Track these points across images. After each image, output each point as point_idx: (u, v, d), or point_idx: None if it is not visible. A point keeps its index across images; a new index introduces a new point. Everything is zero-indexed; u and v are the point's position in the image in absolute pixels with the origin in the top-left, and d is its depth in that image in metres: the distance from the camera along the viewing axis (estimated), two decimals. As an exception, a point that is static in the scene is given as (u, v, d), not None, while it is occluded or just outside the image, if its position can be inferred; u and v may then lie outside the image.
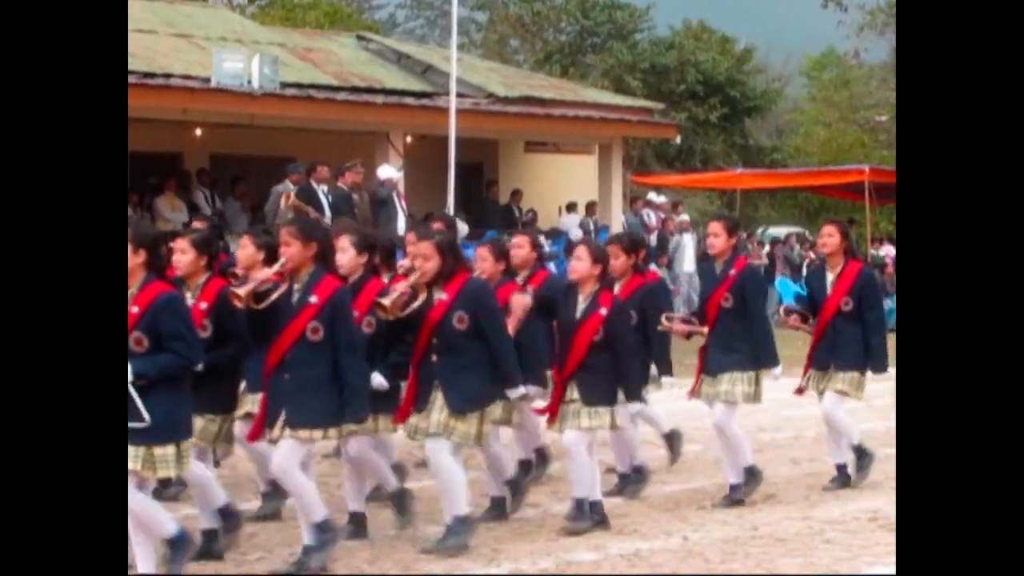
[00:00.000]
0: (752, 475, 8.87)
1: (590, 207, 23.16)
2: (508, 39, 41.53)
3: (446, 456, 7.31)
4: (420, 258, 7.29)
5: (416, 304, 7.21)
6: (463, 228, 17.46)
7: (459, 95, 18.14)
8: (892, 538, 7.69)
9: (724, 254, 8.85)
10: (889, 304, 24.37)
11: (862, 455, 9.43)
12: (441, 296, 7.29)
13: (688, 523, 8.28)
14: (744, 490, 8.79)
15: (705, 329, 8.82)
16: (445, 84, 19.71)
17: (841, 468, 9.46)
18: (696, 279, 23.27)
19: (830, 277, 9.25)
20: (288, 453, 6.81)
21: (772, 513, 8.59)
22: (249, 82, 18.68)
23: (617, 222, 23.31)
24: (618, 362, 7.88)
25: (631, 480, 9.16)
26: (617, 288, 8.48)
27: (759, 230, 31.48)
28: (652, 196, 26.08)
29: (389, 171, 18.59)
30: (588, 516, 7.91)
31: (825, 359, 9.23)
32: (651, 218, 24.69)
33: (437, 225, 8.97)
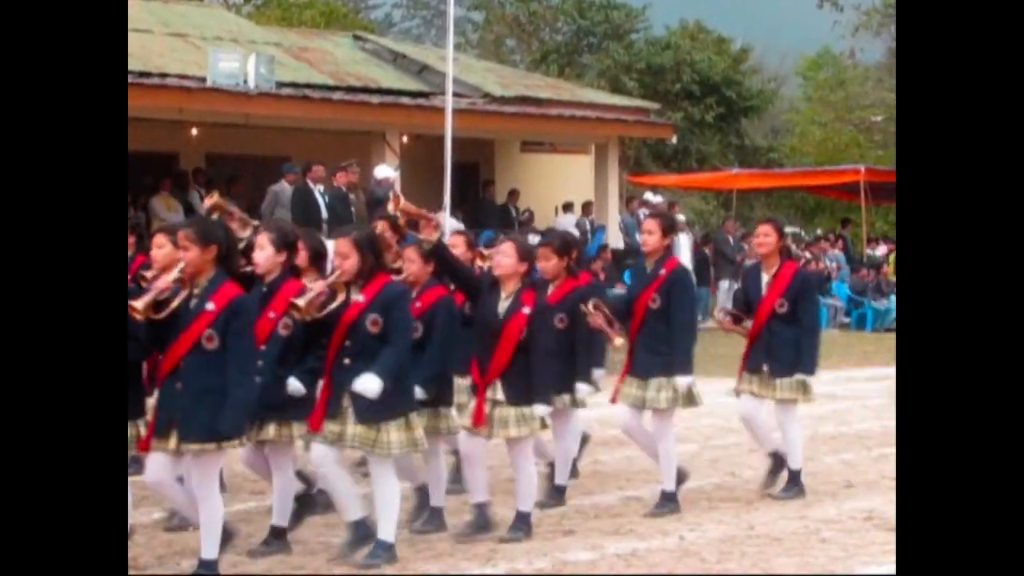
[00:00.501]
0: (672, 500, 8.55)
1: (586, 207, 23.17)
2: (504, 39, 41.55)
3: (389, 471, 7.12)
4: (339, 256, 7.01)
5: (334, 305, 6.97)
6: (459, 228, 17.45)
7: (455, 95, 18.11)
8: (888, 537, 7.71)
9: (656, 253, 8.52)
10: (886, 304, 24.42)
11: (780, 462, 9.10)
12: (358, 297, 7.03)
13: (684, 522, 8.28)
14: (668, 507, 8.50)
15: (618, 340, 8.41)
16: (441, 84, 19.69)
17: (775, 456, 9.17)
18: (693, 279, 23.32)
19: (765, 278, 8.97)
20: (159, 467, 6.73)
21: (768, 512, 8.59)
22: (245, 82, 18.67)
23: (613, 222, 23.33)
24: (532, 365, 7.60)
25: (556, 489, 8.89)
26: (550, 290, 8.31)
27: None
28: (648, 196, 26.10)
29: (385, 171, 18.59)
30: (526, 527, 7.73)
31: (759, 362, 8.96)
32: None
33: (381, 225, 8.83)
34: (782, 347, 8.88)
